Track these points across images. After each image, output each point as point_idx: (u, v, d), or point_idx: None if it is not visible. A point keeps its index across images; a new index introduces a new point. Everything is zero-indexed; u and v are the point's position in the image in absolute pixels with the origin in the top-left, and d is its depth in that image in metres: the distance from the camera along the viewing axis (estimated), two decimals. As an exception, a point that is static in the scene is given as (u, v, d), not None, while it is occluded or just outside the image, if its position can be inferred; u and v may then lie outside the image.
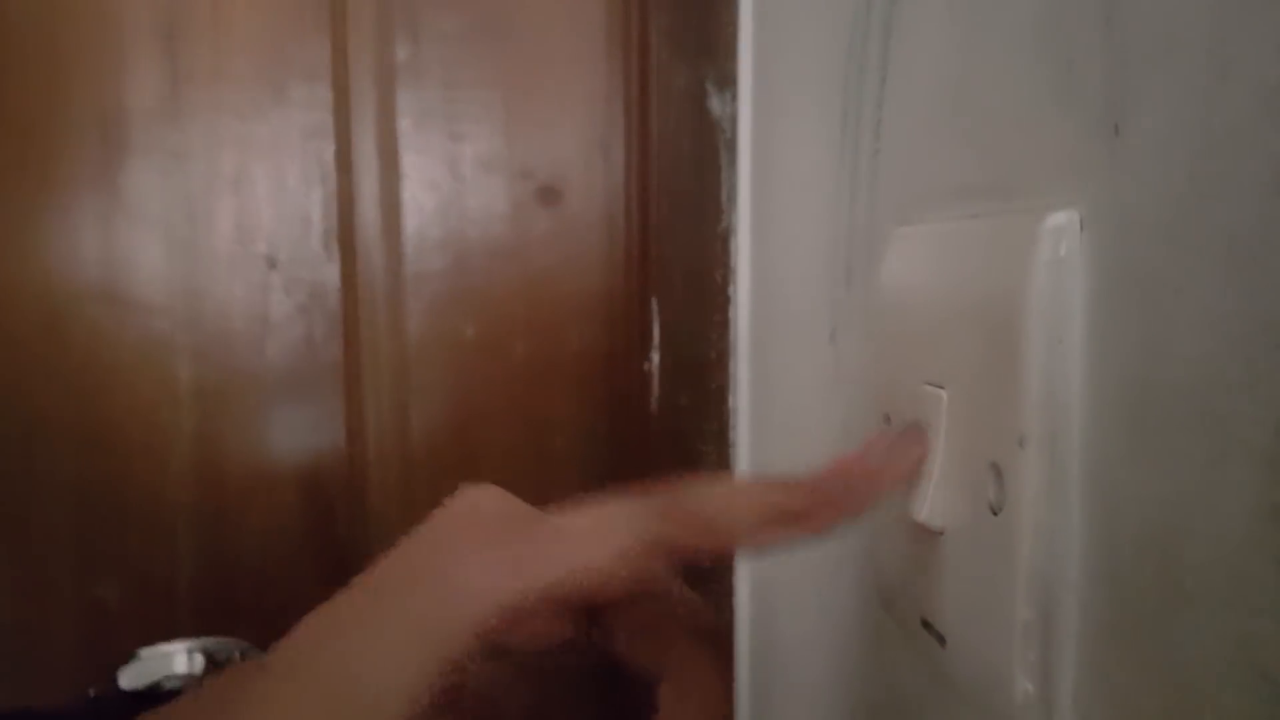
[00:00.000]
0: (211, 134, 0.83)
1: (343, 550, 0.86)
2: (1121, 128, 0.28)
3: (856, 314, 0.52)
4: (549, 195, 0.84)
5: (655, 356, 0.67)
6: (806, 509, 0.36)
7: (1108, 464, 0.29)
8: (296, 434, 0.86)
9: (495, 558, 0.33)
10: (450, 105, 0.83)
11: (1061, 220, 0.30)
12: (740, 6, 0.67)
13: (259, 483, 0.85)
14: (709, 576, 0.71)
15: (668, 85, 0.65)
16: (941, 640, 0.38)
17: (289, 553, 0.86)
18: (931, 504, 0.37)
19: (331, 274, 0.84)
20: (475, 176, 0.84)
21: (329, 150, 0.83)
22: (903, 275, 0.43)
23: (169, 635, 0.84)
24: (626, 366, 0.78)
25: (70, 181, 0.82)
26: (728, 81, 0.66)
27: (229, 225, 0.84)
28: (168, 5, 0.81)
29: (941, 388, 0.37)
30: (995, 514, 0.32)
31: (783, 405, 0.66)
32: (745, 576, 0.72)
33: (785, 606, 0.67)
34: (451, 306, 0.84)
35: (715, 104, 0.65)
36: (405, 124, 0.83)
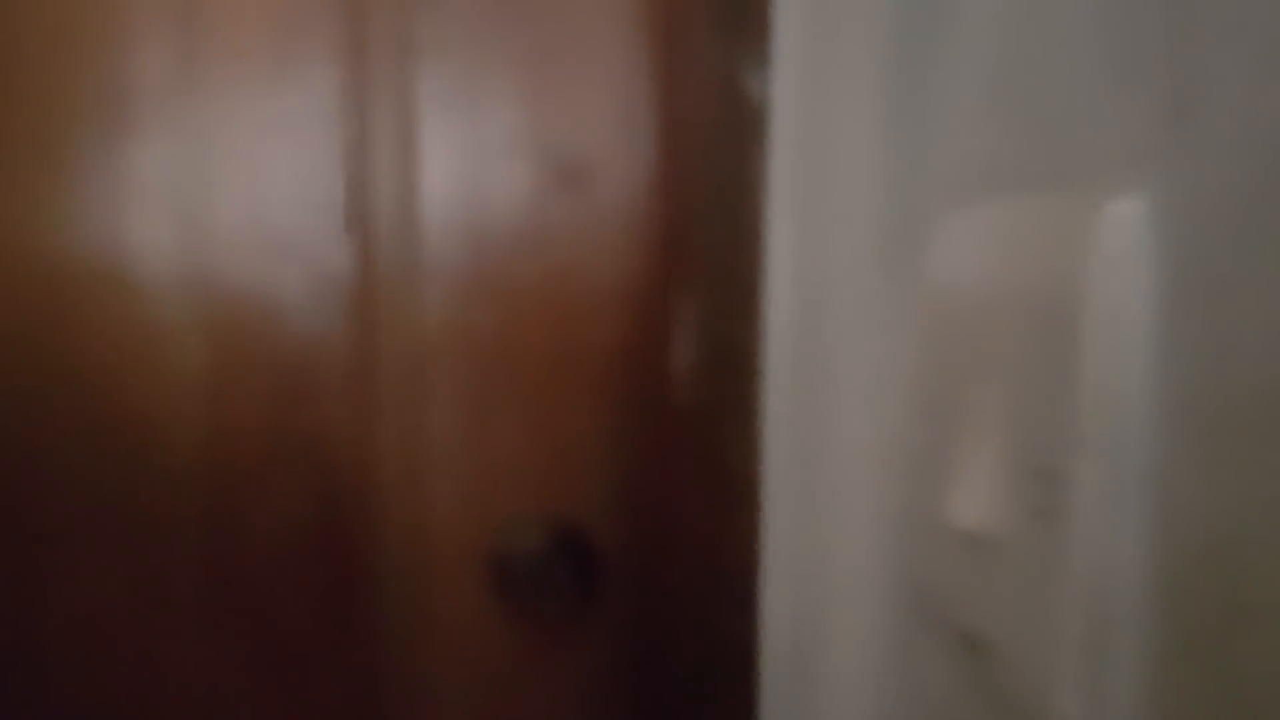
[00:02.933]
0: (226, 113, 0.82)
1: (351, 540, 0.85)
2: (1189, 110, 0.27)
3: (902, 304, 0.51)
4: (574, 178, 0.82)
5: (687, 349, 0.66)
6: None
7: (1171, 471, 0.28)
8: (308, 423, 0.85)
9: None
10: (471, 84, 0.82)
11: (1125, 208, 0.29)
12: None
13: (270, 471, 0.85)
14: (734, 579, 0.69)
15: (700, 64, 0.64)
16: (985, 650, 0.37)
17: (298, 542, 0.86)
18: (978, 509, 0.36)
19: (347, 259, 0.84)
20: (497, 159, 0.83)
21: (346, 132, 0.83)
22: (950, 263, 0.42)
23: (176, 626, 0.84)
24: (652, 358, 0.76)
25: (80, 161, 0.82)
26: (763, 62, 0.64)
27: (243, 208, 0.83)
28: None
29: (991, 384, 0.36)
30: (1048, 521, 0.31)
31: (820, 399, 0.65)
32: (771, 579, 0.70)
33: (812, 609, 0.67)
34: (470, 294, 0.83)
35: (751, 84, 0.63)
36: (425, 105, 0.82)
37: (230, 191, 0.83)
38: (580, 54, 0.82)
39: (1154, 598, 0.29)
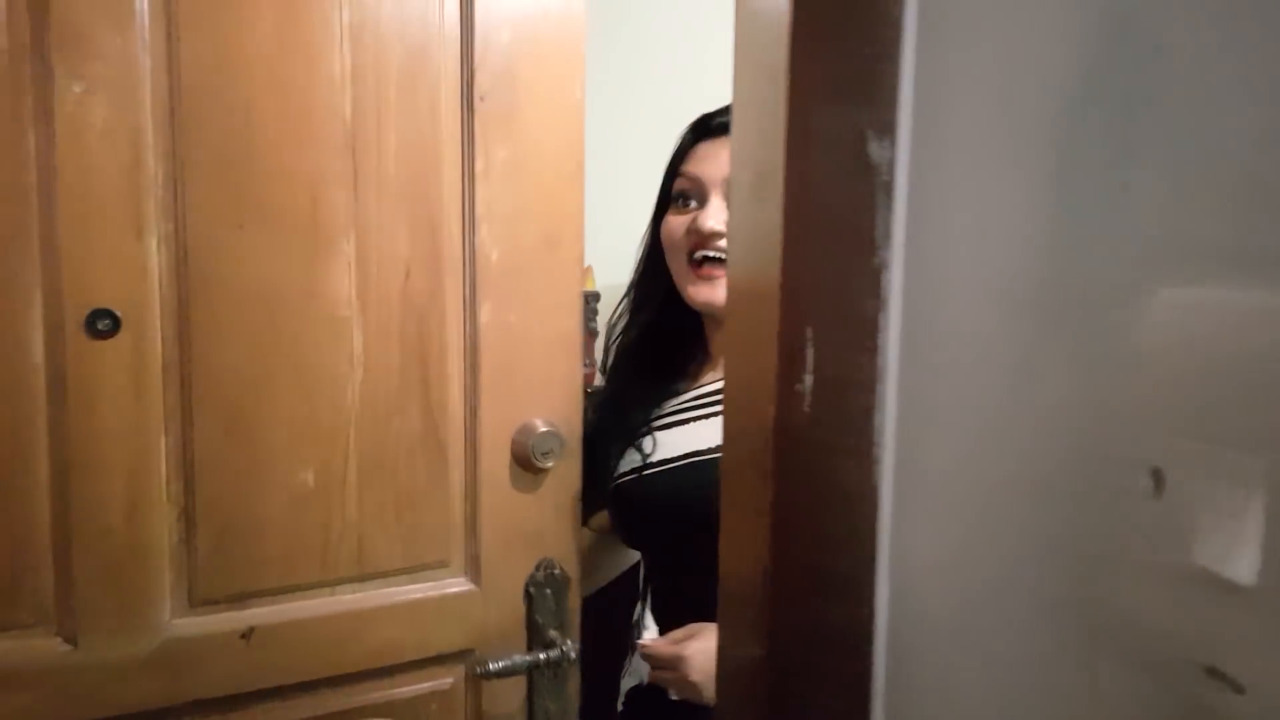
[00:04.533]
0: (379, 212, 1.18)
1: (441, 436, 1.25)
2: None
3: (1071, 361, 0.46)
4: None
5: (808, 379, 0.64)
6: None
7: None
8: (419, 373, 1.22)
9: None
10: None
11: None
12: (902, 62, 0.64)
13: (394, 409, 1.21)
14: (845, 578, 0.65)
15: (827, 131, 0.63)
16: (1239, 689, 0.34)
17: (413, 437, 1.23)
18: (1244, 559, 0.33)
19: (440, 283, 1.22)
20: (516, 234, 1.27)
21: (444, 219, 1.22)
22: (1191, 337, 0.37)
23: (342, 491, 1.19)
24: (782, 386, 0.71)
25: (313, 241, 1.14)
26: (887, 129, 0.64)
27: (387, 258, 1.19)
28: (350, 140, 1.15)
29: (1251, 452, 0.33)
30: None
31: (940, 431, 0.60)
32: (885, 580, 0.63)
33: (939, 626, 0.59)
34: (505, 303, 1.26)
35: (874, 149, 0.64)
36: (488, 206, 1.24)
37: (380, 249, 1.18)
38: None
39: None
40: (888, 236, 0.61)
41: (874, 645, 0.60)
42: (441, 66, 1.19)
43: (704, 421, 1.33)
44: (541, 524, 1.30)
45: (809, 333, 0.61)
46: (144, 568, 1.08)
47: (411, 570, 1.24)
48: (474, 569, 1.27)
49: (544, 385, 1.28)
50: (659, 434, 1.36)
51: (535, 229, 1.25)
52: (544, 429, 1.25)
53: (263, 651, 1.14)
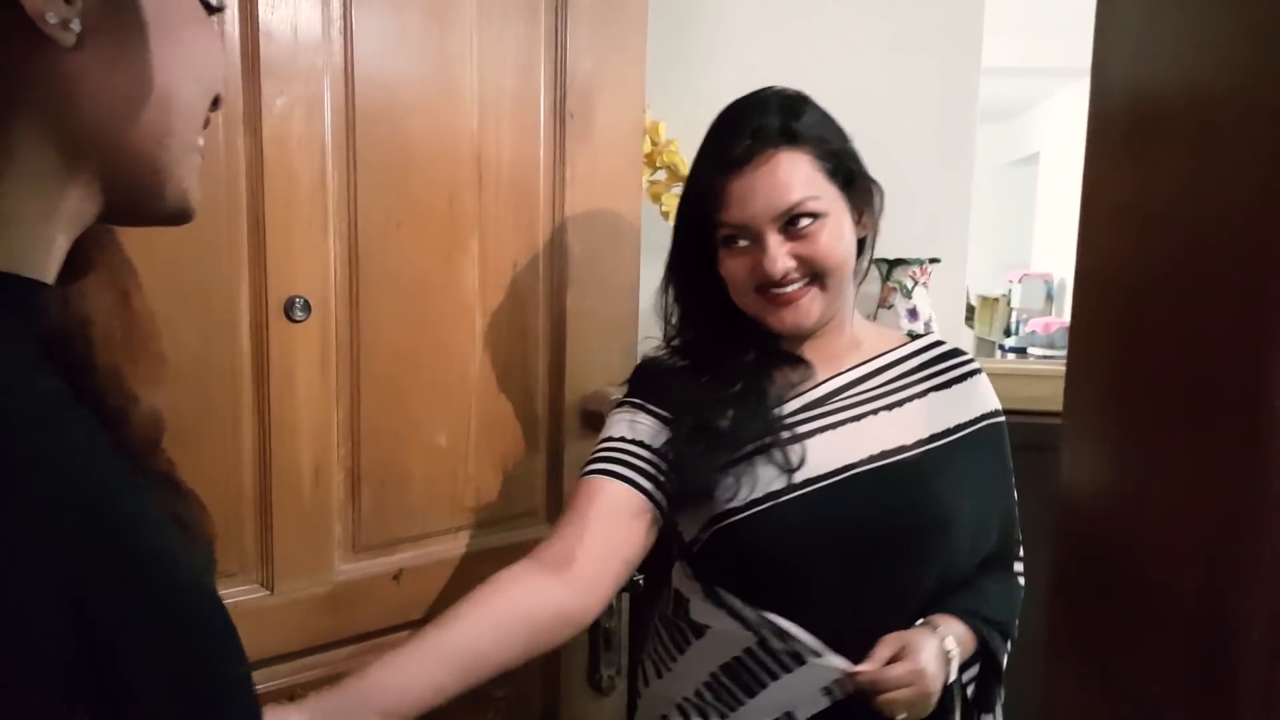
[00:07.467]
0: (496, 214, 1.39)
1: (535, 406, 1.49)
2: None
3: None
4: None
5: None
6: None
7: None
8: (517, 356, 1.42)
9: None
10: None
11: None
12: None
13: (502, 379, 1.43)
14: None
15: None
16: None
17: (513, 412, 1.46)
18: None
19: (536, 273, 1.46)
20: None
21: (539, 219, 1.45)
22: None
23: (465, 461, 1.37)
24: (1254, 405, 0.62)
25: (435, 233, 1.32)
26: None
27: (500, 253, 1.40)
28: (476, 151, 1.33)
29: None
30: None
31: None
32: None
33: None
34: (588, 289, 1.48)
35: None
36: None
37: (496, 247, 1.39)
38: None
39: None
40: None
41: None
42: (541, 87, 1.41)
43: (845, 428, 1.19)
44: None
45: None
46: (324, 522, 1.24)
47: (510, 519, 1.46)
48: (555, 516, 1.51)
49: (608, 357, 1.53)
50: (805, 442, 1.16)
51: (604, 226, 1.50)
52: (615, 395, 1.51)
53: (409, 590, 1.33)
